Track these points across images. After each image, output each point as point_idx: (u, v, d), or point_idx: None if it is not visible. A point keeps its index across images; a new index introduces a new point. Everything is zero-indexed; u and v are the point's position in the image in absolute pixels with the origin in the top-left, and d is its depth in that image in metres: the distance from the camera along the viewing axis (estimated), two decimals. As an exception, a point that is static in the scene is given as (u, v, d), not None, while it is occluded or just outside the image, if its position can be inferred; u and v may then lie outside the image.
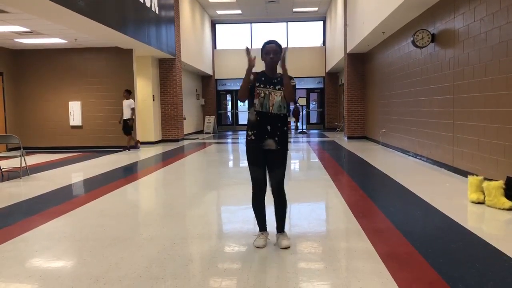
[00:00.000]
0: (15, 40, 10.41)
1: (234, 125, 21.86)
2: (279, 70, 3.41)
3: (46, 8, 6.71)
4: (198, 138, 16.23)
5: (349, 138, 14.05)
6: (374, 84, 12.51)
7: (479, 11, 5.77)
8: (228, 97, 21.88)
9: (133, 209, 5.05)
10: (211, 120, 19.57)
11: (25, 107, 12.05)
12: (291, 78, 3.30)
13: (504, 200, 4.40)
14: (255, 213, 3.49)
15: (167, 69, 13.85)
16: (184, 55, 14.76)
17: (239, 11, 18.60)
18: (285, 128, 3.36)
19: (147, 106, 13.09)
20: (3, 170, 7.31)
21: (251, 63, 3.21)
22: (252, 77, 3.30)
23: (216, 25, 20.82)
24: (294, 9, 18.49)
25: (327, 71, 20.02)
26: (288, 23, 20.59)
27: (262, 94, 3.30)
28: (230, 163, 9.65)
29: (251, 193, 3.44)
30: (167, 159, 9.87)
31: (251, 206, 3.49)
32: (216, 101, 21.11)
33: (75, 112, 11.97)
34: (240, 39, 20.67)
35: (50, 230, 3.99)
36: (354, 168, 8.30)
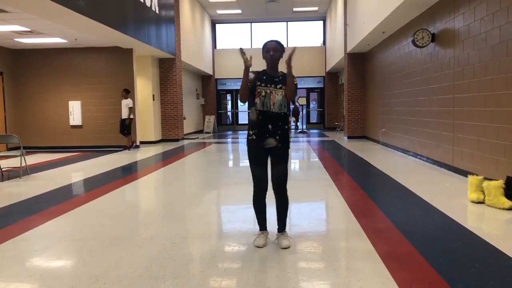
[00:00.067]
0: (15, 39, 10.41)
1: (234, 125, 21.86)
2: (280, 68, 3.41)
3: (46, 7, 6.71)
4: (198, 137, 16.23)
5: (349, 137, 14.05)
6: (374, 83, 12.51)
7: (479, 10, 5.77)
8: (228, 96, 21.88)
9: (133, 208, 5.05)
10: (211, 119, 19.57)
11: (25, 107, 12.05)
12: (294, 77, 3.29)
13: (504, 199, 4.40)
14: (255, 212, 3.49)
15: (167, 69, 13.85)
16: (184, 54, 14.75)
17: (239, 11, 18.59)
18: (286, 127, 3.37)
19: (147, 106, 13.09)
20: (3, 169, 7.31)
21: (247, 64, 3.19)
22: (253, 76, 3.29)
23: (216, 25, 20.82)
24: (294, 9, 18.48)
25: (327, 70, 20.02)
26: (288, 22, 20.59)
27: (263, 93, 3.29)
28: (230, 163, 9.65)
29: (252, 192, 3.45)
30: (167, 158, 9.87)
31: (251, 205, 3.50)
32: (216, 101, 21.10)
33: (75, 112, 11.97)
34: (240, 39, 20.67)
35: (50, 230, 3.99)
36: (354, 167, 8.30)
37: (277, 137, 3.31)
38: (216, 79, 21.00)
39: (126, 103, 11.18)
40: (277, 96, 3.30)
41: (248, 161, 3.42)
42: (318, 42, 20.94)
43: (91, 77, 11.90)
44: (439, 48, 7.25)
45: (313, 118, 22.13)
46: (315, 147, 12.21)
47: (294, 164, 8.70)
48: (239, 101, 21.88)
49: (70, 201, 5.30)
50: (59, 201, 5.30)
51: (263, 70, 3.39)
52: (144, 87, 13.02)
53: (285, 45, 3.45)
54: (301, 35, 20.86)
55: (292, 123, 19.37)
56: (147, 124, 13.09)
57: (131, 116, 11.27)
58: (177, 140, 14.03)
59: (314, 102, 21.95)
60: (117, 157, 9.96)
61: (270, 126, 3.30)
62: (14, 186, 6.46)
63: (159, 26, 11.96)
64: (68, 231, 3.95)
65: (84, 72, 11.90)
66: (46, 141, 12.05)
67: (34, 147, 11.79)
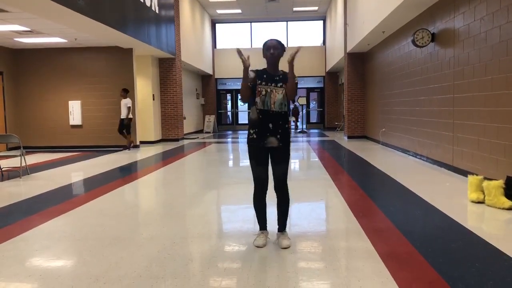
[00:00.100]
0: (15, 39, 10.41)
1: (234, 125, 21.86)
2: (281, 67, 3.40)
3: (46, 7, 6.71)
4: (198, 137, 16.22)
5: (349, 137, 14.05)
6: (374, 83, 12.51)
7: (479, 10, 5.77)
8: (228, 96, 21.88)
9: (133, 208, 5.05)
10: (211, 119, 19.56)
11: (25, 107, 12.05)
12: (295, 76, 3.28)
13: (504, 199, 4.40)
14: (256, 211, 3.49)
15: (167, 69, 13.85)
16: (184, 54, 14.75)
17: (239, 11, 18.59)
18: (287, 126, 3.36)
19: (147, 106, 13.09)
20: (3, 169, 7.31)
21: (245, 64, 3.19)
22: (253, 75, 3.29)
23: (216, 25, 20.81)
24: (294, 9, 18.48)
25: (327, 70, 20.02)
26: (288, 22, 20.58)
27: (264, 92, 3.29)
28: (230, 163, 9.64)
29: (253, 191, 3.45)
30: (167, 158, 9.87)
31: (251, 205, 3.50)
32: (216, 101, 21.10)
33: (75, 112, 11.96)
34: (240, 39, 20.67)
35: (50, 230, 3.99)
36: (354, 167, 8.30)
37: (278, 136, 3.31)
38: (216, 79, 21.00)
39: (125, 102, 11.17)
40: (278, 95, 3.29)
41: (248, 160, 3.42)
42: (318, 42, 20.94)
43: (91, 77, 11.90)
44: (439, 47, 7.25)
45: (313, 118, 22.13)
46: (315, 147, 12.21)
47: (294, 164, 8.70)
48: (239, 101, 21.95)
49: (70, 201, 5.30)
50: (59, 201, 5.30)
51: (264, 69, 3.38)
52: (144, 87, 13.02)
53: (285, 45, 3.44)
54: (301, 35, 20.86)
55: (292, 123, 19.36)
56: (147, 124, 13.09)
57: (130, 116, 11.26)
58: (177, 140, 14.03)
59: (314, 102, 21.94)
60: (117, 157, 9.96)
61: (270, 125, 3.30)
62: (14, 186, 6.46)
63: (159, 25, 11.96)
64: (68, 231, 3.94)
65: (84, 71, 11.90)
66: (46, 141, 12.06)
67: (34, 147, 11.80)
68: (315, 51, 20.36)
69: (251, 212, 3.55)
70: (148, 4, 10.99)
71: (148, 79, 13.09)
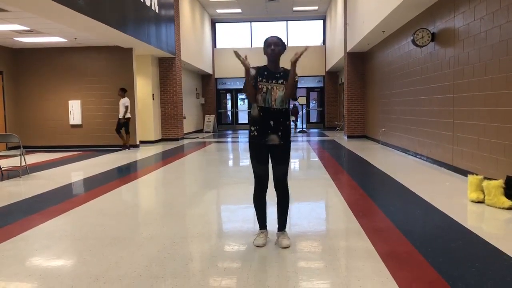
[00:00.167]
0: (15, 39, 10.41)
1: (234, 124, 21.86)
2: (282, 64, 3.39)
3: (46, 7, 6.71)
4: (198, 137, 16.22)
5: (349, 137, 14.05)
6: (374, 83, 12.51)
7: (479, 10, 5.77)
8: (228, 96, 21.87)
9: (133, 208, 5.05)
10: (211, 119, 19.56)
11: (25, 106, 12.05)
12: (296, 74, 3.25)
13: (504, 199, 4.40)
14: (255, 210, 3.49)
15: (167, 68, 13.85)
16: (184, 54, 14.75)
17: (239, 10, 18.58)
18: (288, 123, 3.36)
19: (147, 105, 13.09)
20: (3, 169, 7.31)
21: (245, 64, 3.18)
22: (254, 72, 3.28)
23: (216, 24, 20.80)
24: (294, 8, 18.47)
25: (327, 70, 20.01)
26: (288, 22, 20.58)
27: (265, 89, 3.28)
28: (230, 162, 9.64)
29: (253, 189, 3.45)
30: (167, 158, 9.87)
31: (251, 205, 3.50)
32: (216, 100, 21.10)
33: (75, 111, 11.96)
34: (240, 38, 20.66)
35: (50, 229, 3.99)
36: (354, 167, 8.30)
37: (279, 133, 3.31)
38: (216, 79, 21.00)
39: (123, 102, 11.17)
40: (279, 92, 3.29)
41: (249, 158, 3.42)
42: (318, 42, 20.93)
43: (91, 77, 11.90)
44: (439, 47, 7.24)
45: (313, 118, 22.12)
46: (315, 146, 12.21)
47: (294, 164, 8.70)
48: (239, 100, 21.96)
49: (70, 201, 5.30)
50: (59, 200, 5.30)
51: (264, 66, 3.37)
52: (144, 87, 13.02)
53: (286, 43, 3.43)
54: (301, 35, 20.85)
55: (292, 123, 19.35)
56: (147, 123, 13.08)
57: (128, 116, 11.24)
58: (177, 139, 14.02)
59: (314, 102, 21.94)
60: (117, 157, 9.96)
61: (272, 123, 3.29)
62: (14, 185, 6.46)
63: (159, 25, 11.95)
64: (68, 230, 3.94)
65: (84, 71, 11.90)
66: (46, 141, 12.05)
67: (34, 146, 11.80)
68: (315, 51, 20.34)
69: (251, 212, 3.55)
70: (148, 3, 10.99)
71: (148, 78, 13.08)
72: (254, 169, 3.40)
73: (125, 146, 11.38)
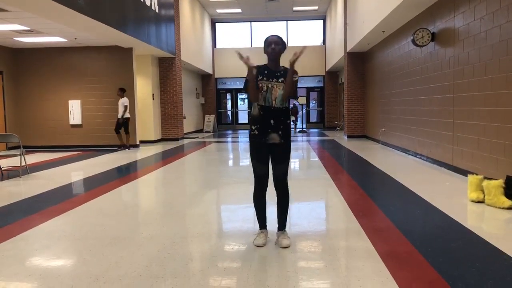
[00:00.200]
0: (14, 38, 10.40)
1: (234, 124, 21.86)
2: (282, 63, 3.39)
3: (46, 7, 6.71)
4: (198, 137, 16.22)
5: (349, 137, 14.05)
6: (374, 83, 12.51)
7: (479, 10, 5.77)
8: (228, 96, 21.87)
9: (133, 208, 5.05)
10: (211, 119, 19.56)
11: (25, 106, 12.05)
12: (295, 72, 3.25)
13: (504, 199, 4.40)
14: (255, 209, 3.49)
15: (167, 68, 13.85)
16: (184, 54, 14.75)
17: (239, 10, 18.58)
18: (288, 121, 3.36)
19: (147, 105, 13.09)
20: (3, 169, 7.31)
21: (248, 65, 3.18)
22: (255, 71, 3.28)
23: (216, 24, 20.80)
24: (294, 8, 18.47)
25: (327, 70, 20.02)
26: (288, 22, 20.58)
27: (265, 88, 3.29)
28: (230, 162, 9.64)
29: (253, 189, 3.45)
30: (167, 158, 9.87)
31: (251, 205, 3.50)
32: (216, 100, 21.10)
33: (75, 111, 11.96)
34: (240, 38, 20.66)
35: (50, 229, 3.99)
36: (354, 167, 8.30)
37: (280, 132, 3.31)
38: (216, 78, 21.00)
39: (122, 101, 11.17)
40: (279, 90, 3.29)
41: (249, 158, 3.42)
42: (318, 41, 20.93)
43: (91, 76, 11.90)
44: (439, 47, 7.24)
45: (313, 118, 22.12)
46: (315, 146, 12.21)
47: (294, 164, 8.70)
48: (239, 100, 21.96)
49: (70, 200, 5.30)
50: (58, 200, 5.30)
51: (264, 65, 3.38)
52: (144, 86, 13.02)
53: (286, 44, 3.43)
54: (301, 34, 20.85)
55: (292, 123, 19.34)
56: (147, 123, 13.08)
57: (127, 115, 11.23)
58: (177, 139, 14.02)
59: (314, 102, 21.94)
60: (117, 156, 9.96)
61: (272, 121, 3.30)
62: (14, 185, 6.46)
63: (159, 25, 11.95)
64: (68, 230, 3.94)
65: (84, 71, 11.90)
66: (46, 140, 12.05)
67: (34, 146, 11.80)
68: (315, 51, 20.35)
69: (251, 212, 3.55)
70: (148, 3, 10.99)
71: (148, 78, 13.08)
72: (254, 169, 3.40)
73: (123, 146, 11.37)
